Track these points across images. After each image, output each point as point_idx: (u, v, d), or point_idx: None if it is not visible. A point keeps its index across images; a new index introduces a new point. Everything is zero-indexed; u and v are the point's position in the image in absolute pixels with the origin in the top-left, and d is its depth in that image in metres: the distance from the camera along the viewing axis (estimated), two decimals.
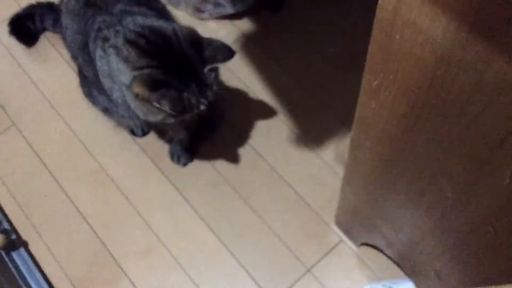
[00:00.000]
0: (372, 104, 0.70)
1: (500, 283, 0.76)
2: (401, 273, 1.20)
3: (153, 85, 0.98)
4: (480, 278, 0.80)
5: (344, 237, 1.29)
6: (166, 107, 0.97)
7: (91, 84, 1.25)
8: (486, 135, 0.55)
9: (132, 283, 1.28)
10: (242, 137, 1.43)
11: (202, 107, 1.04)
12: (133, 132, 1.45)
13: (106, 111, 1.29)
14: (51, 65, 1.59)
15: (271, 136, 1.43)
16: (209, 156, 1.42)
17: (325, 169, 1.37)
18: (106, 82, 1.10)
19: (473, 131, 0.56)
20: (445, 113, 0.58)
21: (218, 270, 1.28)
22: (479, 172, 0.61)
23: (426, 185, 0.74)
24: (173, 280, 1.28)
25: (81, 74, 1.30)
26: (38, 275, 1.28)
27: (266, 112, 1.46)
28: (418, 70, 0.57)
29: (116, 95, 1.10)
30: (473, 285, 0.85)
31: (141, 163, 1.42)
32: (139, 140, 1.45)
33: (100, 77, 1.10)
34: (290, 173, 1.38)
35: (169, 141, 1.40)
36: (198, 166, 1.41)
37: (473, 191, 0.65)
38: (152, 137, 1.46)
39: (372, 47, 0.61)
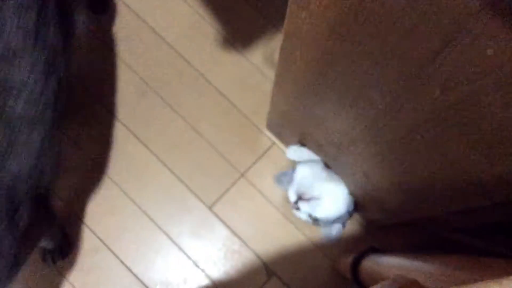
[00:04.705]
0: (302, 15, 0.66)
1: (423, 181, 0.79)
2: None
3: None
4: (406, 177, 0.84)
5: (276, 140, 1.30)
6: None
7: None
8: (419, 49, 0.54)
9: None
10: (166, 41, 1.35)
11: None
12: None
13: None
14: None
15: (197, 40, 1.35)
16: (132, 65, 1.33)
17: (254, 72, 1.34)
18: None
19: (406, 45, 0.55)
20: (378, 26, 0.56)
21: (152, 183, 1.26)
22: (410, 85, 0.60)
23: (357, 95, 0.74)
24: (105, 194, 1.25)
25: None
26: None
27: (191, 14, 1.37)
28: None
29: None
30: (398, 184, 0.89)
31: None
32: None
33: None
34: (218, 78, 1.33)
35: None
36: (121, 76, 1.32)
37: (403, 102, 0.65)
38: None
39: None
